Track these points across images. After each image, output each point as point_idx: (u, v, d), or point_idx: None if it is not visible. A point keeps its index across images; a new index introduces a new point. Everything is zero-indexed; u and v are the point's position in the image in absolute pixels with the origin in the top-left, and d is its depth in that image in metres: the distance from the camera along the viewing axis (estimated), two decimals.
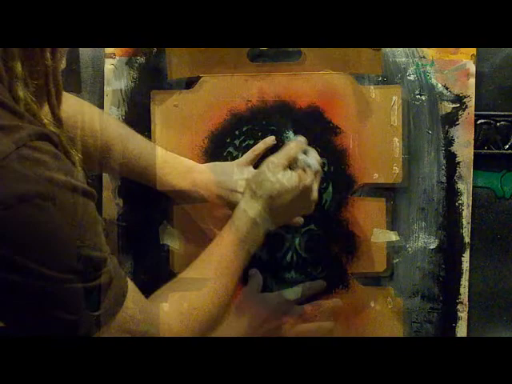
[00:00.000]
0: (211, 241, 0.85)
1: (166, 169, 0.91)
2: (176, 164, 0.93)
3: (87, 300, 0.62)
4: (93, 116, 0.90)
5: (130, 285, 0.69)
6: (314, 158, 0.90)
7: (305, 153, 0.90)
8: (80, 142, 0.85)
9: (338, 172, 0.97)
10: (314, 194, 0.89)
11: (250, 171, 0.93)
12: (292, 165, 0.88)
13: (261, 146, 0.96)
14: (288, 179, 0.86)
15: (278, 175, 0.86)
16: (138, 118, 0.95)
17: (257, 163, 0.94)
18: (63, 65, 0.68)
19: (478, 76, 0.96)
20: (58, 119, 0.65)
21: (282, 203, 0.86)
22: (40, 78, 0.63)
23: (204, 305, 0.77)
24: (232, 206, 0.89)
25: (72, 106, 0.86)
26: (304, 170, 0.88)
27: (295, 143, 0.91)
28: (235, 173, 0.93)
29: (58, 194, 0.58)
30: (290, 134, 0.97)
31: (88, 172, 0.77)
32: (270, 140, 0.96)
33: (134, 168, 0.90)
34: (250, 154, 0.95)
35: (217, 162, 0.96)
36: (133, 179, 0.92)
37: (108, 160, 0.89)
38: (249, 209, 0.85)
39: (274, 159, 0.88)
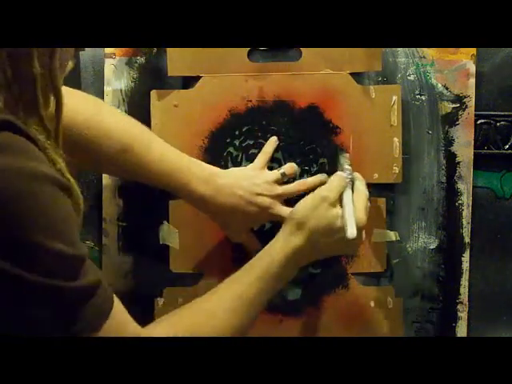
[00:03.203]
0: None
1: (190, 175, 0.89)
2: (198, 170, 0.90)
3: (68, 300, 0.58)
4: (112, 118, 0.88)
5: (117, 303, 0.65)
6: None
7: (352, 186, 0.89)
8: (94, 143, 0.84)
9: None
10: (363, 237, 0.87)
11: (266, 174, 0.93)
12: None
13: (269, 148, 0.96)
14: (339, 218, 0.83)
15: (331, 212, 0.84)
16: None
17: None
18: (70, 66, 0.67)
19: (478, 76, 0.96)
20: (47, 131, 0.61)
21: (326, 242, 0.83)
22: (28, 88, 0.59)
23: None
24: (262, 210, 0.90)
25: (89, 109, 0.85)
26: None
27: (343, 179, 0.88)
28: (255, 177, 0.92)
29: (22, 184, 0.54)
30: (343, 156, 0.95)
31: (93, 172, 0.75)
32: (274, 140, 0.96)
33: (154, 172, 0.88)
34: (263, 158, 0.95)
35: (233, 168, 0.95)
36: (148, 184, 0.90)
37: (125, 163, 0.87)
38: (289, 242, 0.82)
39: (328, 194, 0.85)
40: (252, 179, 0.92)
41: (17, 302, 0.56)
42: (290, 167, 0.95)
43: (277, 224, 0.90)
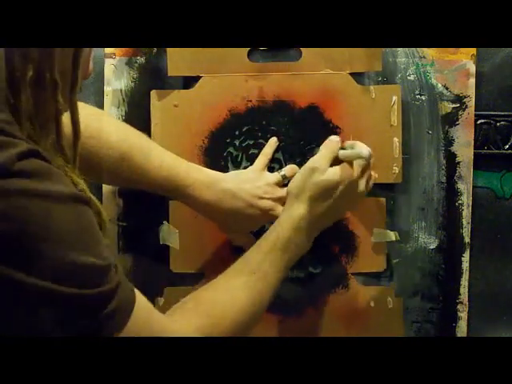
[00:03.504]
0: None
1: (189, 180, 0.89)
2: (200, 175, 0.90)
3: (92, 306, 0.59)
4: (111, 127, 0.88)
5: (140, 298, 0.66)
6: (360, 148, 0.88)
7: (348, 147, 0.88)
8: (93, 153, 0.84)
9: None
10: (361, 187, 0.87)
11: (267, 176, 0.93)
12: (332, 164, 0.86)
13: (268, 149, 0.96)
14: (332, 175, 0.84)
15: (323, 178, 0.84)
16: (138, 118, 0.95)
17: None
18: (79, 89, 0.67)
19: (478, 76, 0.96)
20: (66, 157, 0.64)
21: (327, 205, 0.84)
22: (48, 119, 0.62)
23: (227, 322, 0.75)
24: (263, 212, 0.90)
25: (88, 116, 0.84)
26: (350, 164, 0.86)
27: (330, 144, 0.88)
28: (257, 179, 0.92)
29: (52, 207, 0.56)
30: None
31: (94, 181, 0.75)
32: (274, 141, 0.96)
33: (154, 179, 0.88)
34: (263, 159, 0.95)
35: (234, 171, 0.95)
36: (148, 190, 0.90)
37: (125, 171, 0.87)
38: (292, 214, 0.84)
39: (317, 165, 0.85)
40: (254, 182, 0.92)
41: (40, 309, 0.57)
42: (290, 169, 0.95)
43: None
